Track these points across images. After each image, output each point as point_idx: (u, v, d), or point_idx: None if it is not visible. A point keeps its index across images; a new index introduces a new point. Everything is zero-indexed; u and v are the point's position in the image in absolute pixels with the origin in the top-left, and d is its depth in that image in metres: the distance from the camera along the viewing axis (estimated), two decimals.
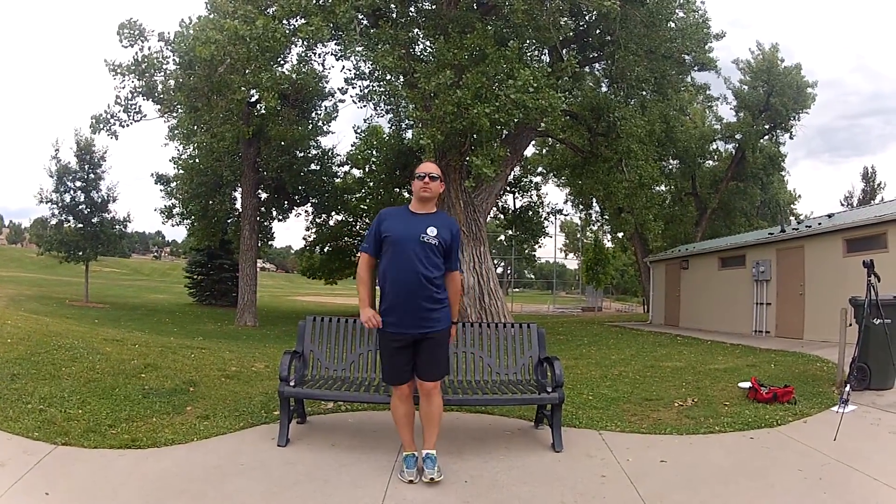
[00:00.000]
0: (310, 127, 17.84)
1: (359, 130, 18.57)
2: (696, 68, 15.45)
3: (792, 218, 13.83)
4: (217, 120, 12.90)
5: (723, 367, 8.02)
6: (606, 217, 29.09)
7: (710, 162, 27.07)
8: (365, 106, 13.22)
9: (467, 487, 3.40)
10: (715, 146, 25.88)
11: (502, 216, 23.43)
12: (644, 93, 15.52)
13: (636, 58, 12.84)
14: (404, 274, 3.42)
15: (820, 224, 11.95)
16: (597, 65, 16.81)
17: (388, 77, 10.42)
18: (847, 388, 5.05)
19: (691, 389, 6.38)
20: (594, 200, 24.89)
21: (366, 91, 12.28)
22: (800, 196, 36.03)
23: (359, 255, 3.80)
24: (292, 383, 4.14)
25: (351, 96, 13.92)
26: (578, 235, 45.52)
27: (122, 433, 3.91)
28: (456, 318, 3.68)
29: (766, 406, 5.39)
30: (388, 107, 11.37)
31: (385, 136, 18.95)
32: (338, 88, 13.06)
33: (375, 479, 3.47)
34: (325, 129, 18.65)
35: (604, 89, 16.78)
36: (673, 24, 12.87)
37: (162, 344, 7.62)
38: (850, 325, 5.93)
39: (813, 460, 3.88)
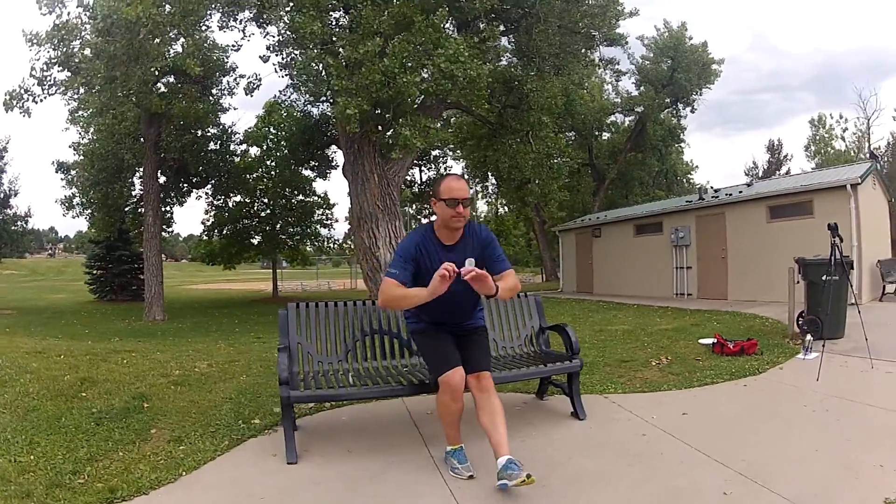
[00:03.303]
0: (211, 103, 17.34)
1: (281, 101, 18.03)
2: (604, 44, 16.32)
3: (710, 187, 15.24)
4: (129, 92, 12.03)
5: (670, 327, 8.77)
6: (502, 189, 30.24)
7: (607, 134, 28.86)
8: (287, 75, 12.63)
9: (530, 470, 3.09)
10: (613, 119, 27.57)
11: (407, 190, 23.54)
12: (553, 66, 16.13)
13: (553, 32, 13.34)
14: (451, 313, 3.44)
15: (741, 192, 13.33)
16: (503, 39, 17.22)
17: (310, 45, 9.99)
18: (809, 337, 5.77)
19: (657, 349, 6.89)
20: (489, 173, 25.77)
21: (288, 59, 11.76)
22: (696, 167, 39.62)
23: (383, 279, 3.38)
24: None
25: (273, 64, 13.30)
26: (480, 210, 46.97)
27: (94, 481, 3.22)
28: (494, 291, 3.23)
29: (737, 358, 6.04)
30: (305, 76, 10.91)
31: (283, 112, 18.88)
32: (259, 56, 12.47)
33: (428, 483, 3.20)
34: (227, 106, 18.52)
35: (503, 62, 17.24)
36: (592, 1, 13.50)
37: (85, 351, 6.86)
38: (798, 282, 6.73)
39: (811, 398, 4.46)
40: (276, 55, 12.03)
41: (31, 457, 3.46)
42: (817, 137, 39.72)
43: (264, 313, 16.43)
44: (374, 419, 4.43)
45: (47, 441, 3.72)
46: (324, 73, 11.10)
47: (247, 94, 11.95)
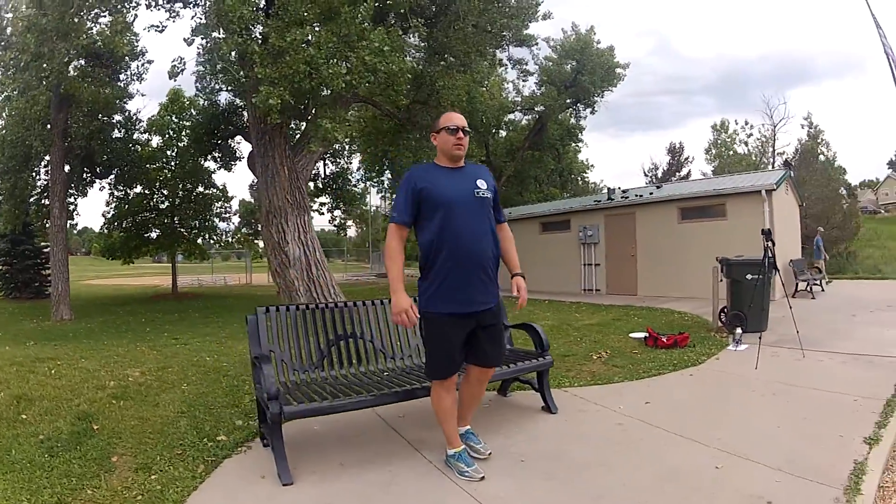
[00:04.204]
0: (119, 88, 16.80)
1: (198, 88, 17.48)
2: (514, 44, 17.12)
3: (618, 188, 16.49)
4: (50, 72, 11.57)
5: (593, 322, 9.51)
6: (398, 184, 30.75)
7: (503, 132, 30.06)
8: (207, 60, 12.00)
9: (532, 464, 3.55)
10: (511, 117, 28.72)
11: (312, 184, 23.47)
12: (462, 64, 16.67)
13: (470, 31, 13.84)
14: (468, 240, 3.18)
15: (651, 194, 14.58)
16: (412, 35, 17.57)
17: (238, 29, 9.66)
18: (739, 330, 6.60)
19: (591, 344, 7.53)
20: (385, 168, 26.25)
21: (212, 44, 11.18)
22: (592, 166, 42.21)
23: (389, 225, 3.34)
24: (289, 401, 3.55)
25: (198, 47, 12.61)
26: (371, 203, 47.17)
27: None
28: (519, 269, 3.58)
29: (671, 351, 6.76)
30: (225, 63, 10.50)
31: (186, 101, 19.05)
32: (183, 38, 11.96)
33: (441, 488, 3.27)
34: (134, 92, 17.93)
35: (408, 59, 17.60)
36: (514, 2, 14.14)
37: (8, 360, 6.32)
38: (721, 280, 7.63)
39: (757, 384, 5.22)
40: (202, 39, 11.51)
41: None
42: (719, 142, 43.86)
43: (168, 311, 15.85)
44: (349, 427, 4.39)
45: (4, 482, 3.33)
46: (235, 59, 10.75)
47: (171, 79, 11.41)
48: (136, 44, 15.78)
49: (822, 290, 13.77)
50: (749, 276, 7.28)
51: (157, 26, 12.42)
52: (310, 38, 9.85)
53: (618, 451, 3.73)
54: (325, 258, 14.88)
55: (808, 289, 12.92)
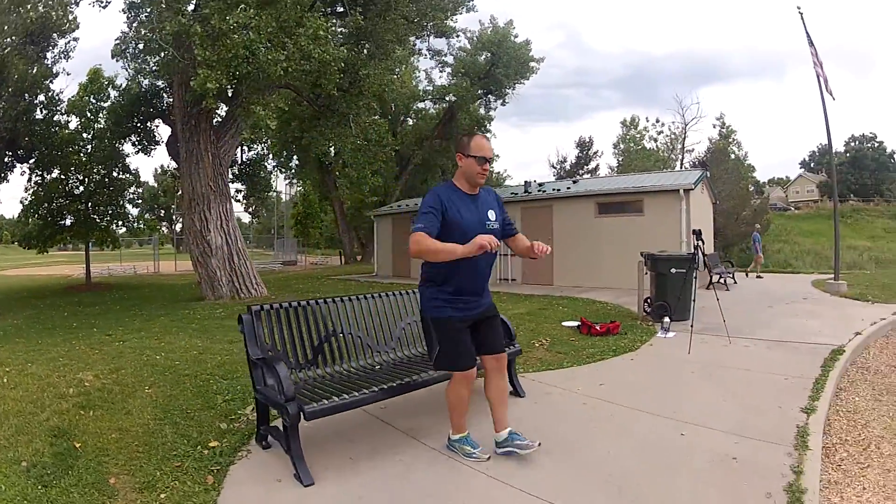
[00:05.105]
0: (46, 65, 15.87)
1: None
2: (434, 35, 17.60)
3: (534, 181, 17.37)
4: None
5: (523, 311, 10.19)
6: (304, 170, 30.72)
7: (412, 120, 30.52)
8: (146, 37, 11.33)
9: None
10: (421, 105, 29.22)
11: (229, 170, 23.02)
12: (383, 52, 16.92)
13: (400, 22, 14.15)
14: (479, 264, 3.66)
15: (569, 188, 15.52)
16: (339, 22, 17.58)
17: (182, 8, 9.34)
18: (667, 319, 7.50)
19: (528, 333, 8.12)
20: (294, 154, 26.01)
21: (150, 17, 10.59)
22: (498, 156, 43.61)
23: (413, 233, 3.55)
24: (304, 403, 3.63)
25: (127, 24, 11.87)
26: (278, 189, 46.08)
27: None
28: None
29: (606, 338, 7.52)
30: (161, 44, 10.07)
31: (105, 81, 18.46)
32: (120, 10, 11.32)
33: (456, 471, 3.56)
34: (58, 71, 16.85)
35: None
36: None
37: None
38: (647, 273, 8.56)
39: (694, 366, 6.03)
40: (142, 15, 10.98)
41: None
42: (627, 137, 46.40)
43: (88, 303, 14.81)
44: (338, 421, 4.46)
45: None
46: (171, 40, 10.45)
47: (113, 58, 10.95)
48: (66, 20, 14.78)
49: (735, 283, 15.01)
50: (673, 270, 8.27)
51: (101, 1, 11.77)
52: (251, 22, 9.78)
53: (594, 427, 4.31)
54: (245, 248, 14.74)
55: (723, 281, 14.14)
